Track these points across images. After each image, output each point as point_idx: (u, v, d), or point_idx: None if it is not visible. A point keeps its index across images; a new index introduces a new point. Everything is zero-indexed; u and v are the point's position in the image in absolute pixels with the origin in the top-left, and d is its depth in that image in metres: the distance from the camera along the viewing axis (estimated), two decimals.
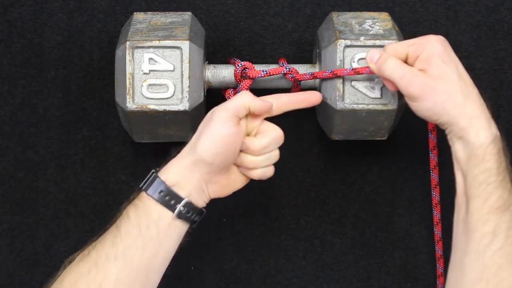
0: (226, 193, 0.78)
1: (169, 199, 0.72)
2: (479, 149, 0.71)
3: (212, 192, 0.76)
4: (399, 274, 0.95)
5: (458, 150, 0.73)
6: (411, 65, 0.75)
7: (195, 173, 0.73)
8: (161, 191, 0.72)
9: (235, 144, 0.73)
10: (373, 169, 0.95)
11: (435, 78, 0.72)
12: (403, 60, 0.75)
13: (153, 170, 0.74)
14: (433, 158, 0.84)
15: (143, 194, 0.73)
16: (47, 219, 0.94)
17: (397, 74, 0.74)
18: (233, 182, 0.78)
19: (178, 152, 0.75)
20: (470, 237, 0.71)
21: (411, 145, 0.95)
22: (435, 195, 0.87)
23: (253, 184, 0.95)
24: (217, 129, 0.72)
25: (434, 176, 0.86)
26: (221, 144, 0.72)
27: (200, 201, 0.75)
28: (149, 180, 0.73)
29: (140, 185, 0.73)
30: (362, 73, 0.79)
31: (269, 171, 0.77)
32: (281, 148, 0.95)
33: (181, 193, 0.73)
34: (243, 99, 0.74)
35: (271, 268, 0.95)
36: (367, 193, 0.95)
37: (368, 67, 0.78)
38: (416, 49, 0.74)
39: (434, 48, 0.73)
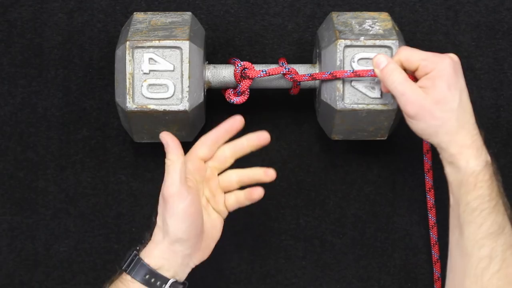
0: (209, 251, 0.80)
1: (155, 281, 0.73)
2: (470, 176, 0.71)
3: (196, 260, 0.78)
4: (399, 274, 0.95)
5: (449, 174, 0.74)
6: (419, 77, 0.74)
7: (177, 253, 0.75)
8: (146, 274, 0.73)
9: (198, 208, 0.75)
10: (373, 169, 0.95)
11: (435, 102, 0.72)
12: (412, 70, 0.75)
13: (134, 252, 0.75)
14: (427, 161, 0.85)
15: (126, 277, 0.73)
16: (47, 219, 0.94)
17: (399, 90, 0.73)
18: (211, 237, 0.79)
19: (151, 235, 0.76)
20: (467, 261, 0.72)
21: (411, 145, 0.95)
22: (430, 198, 0.87)
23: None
24: (176, 206, 0.73)
25: (428, 180, 0.86)
26: (187, 217, 0.73)
27: (185, 275, 0.77)
28: (133, 263, 0.74)
29: (123, 267, 0.74)
30: (362, 76, 0.79)
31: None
32: (281, 148, 0.95)
33: (167, 274, 0.74)
34: (178, 167, 0.74)
35: (271, 268, 0.95)
36: (367, 193, 0.95)
37: (369, 70, 0.78)
38: (427, 65, 0.73)
39: (444, 71, 0.72)
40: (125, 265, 0.74)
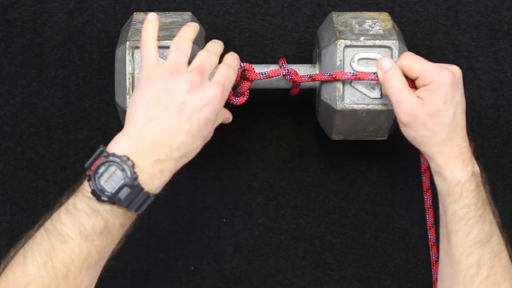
0: None
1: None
2: (456, 187, 0.72)
3: None
4: (399, 274, 0.95)
5: (437, 183, 0.75)
6: (419, 87, 0.74)
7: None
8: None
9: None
10: (373, 169, 0.95)
11: (429, 115, 0.72)
12: (413, 78, 0.75)
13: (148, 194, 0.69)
14: (423, 162, 0.85)
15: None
16: None
17: (396, 96, 0.74)
18: None
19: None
20: (456, 269, 0.73)
21: (411, 145, 0.94)
22: (427, 199, 0.87)
23: (253, 184, 0.95)
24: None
25: (425, 180, 0.86)
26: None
27: None
28: (145, 204, 0.69)
29: (137, 211, 0.69)
30: (362, 79, 0.79)
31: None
32: (281, 148, 0.95)
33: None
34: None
35: (271, 268, 0.95)
36: (367, 193, 0.95)
37: (369, 74, 0.78)
38: (427, 76, 0.73)
39: (442, 85, 0.72)
40: (135, 207, 0.68)
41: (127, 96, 0.80)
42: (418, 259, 0.95)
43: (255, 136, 0.95)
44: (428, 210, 0.88)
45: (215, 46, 0.77)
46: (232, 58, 0.78)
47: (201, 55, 0.74)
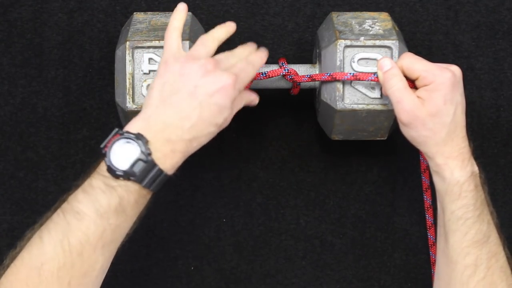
0: None
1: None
2: (455, 186, 0.72)
3: None
4: (399, 274, 0.95)
5: (436, 183, 0.75)
6: (419, 87, 0.75)
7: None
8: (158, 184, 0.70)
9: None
10: (373, 169, 0.95)
11: (429, 115, 0.72)
12: (413, 79, 0.75)
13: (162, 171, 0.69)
14: (423, 161, 0.85)
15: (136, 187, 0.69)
16: None
17: (396, 96, 0.74)
18: None
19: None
20: (452, 269, 0.73)
21: (411, 145, 0.95)
22: (427, 198, 0.87)
23: (253, 184, 0.95)
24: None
25: (425, 180, 0.86)
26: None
27: None
28: (158, 181, 0.69)
29: (150, 187, 0.69)
30: (362, 80, 0.79)
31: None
32: (281, 148, 0.95)
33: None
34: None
35: (271, 268, 0.95)
36: (367, 193, 0.95)
37: (369, 75, 0.78)
38: (427, 77, 0.73)
39: (442, 85, 0.72)
40: (147, 183, 0.68)
41: (127, 96, 0.80)
42: (418, 259, 0.95)
43: (255, 136, 0.95)
44: (428, 210, 0.88)
45: (244, 52, 0.77)
46: (257, 57, 0.77)
47: (222, 54, 0.75)
